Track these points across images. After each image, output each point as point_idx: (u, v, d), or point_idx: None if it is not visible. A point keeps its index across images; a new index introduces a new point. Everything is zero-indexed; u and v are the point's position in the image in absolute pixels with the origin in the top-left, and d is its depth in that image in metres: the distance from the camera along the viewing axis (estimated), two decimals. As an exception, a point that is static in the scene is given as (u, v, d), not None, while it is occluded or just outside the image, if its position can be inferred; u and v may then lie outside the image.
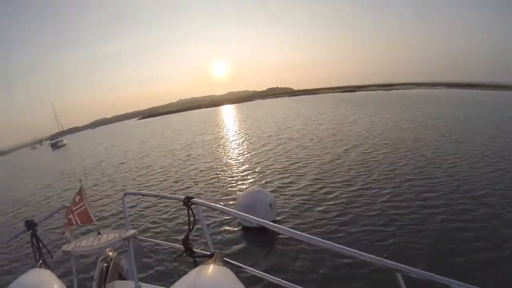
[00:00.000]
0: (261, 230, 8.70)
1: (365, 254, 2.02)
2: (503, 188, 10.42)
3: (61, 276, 3.05)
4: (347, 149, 18.16)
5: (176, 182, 16.32)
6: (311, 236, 2.22)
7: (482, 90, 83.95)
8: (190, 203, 2.96)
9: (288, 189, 12.54)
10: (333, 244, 2.15)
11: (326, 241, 2.12)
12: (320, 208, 10.04)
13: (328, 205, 10.27)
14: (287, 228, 2.33)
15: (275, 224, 2.44)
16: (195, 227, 3.02)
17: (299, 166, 15.72)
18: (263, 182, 14.07)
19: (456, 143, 17.75)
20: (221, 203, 11.64)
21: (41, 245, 3.50)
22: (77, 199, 3.46)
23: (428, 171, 12.89)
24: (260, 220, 2.50)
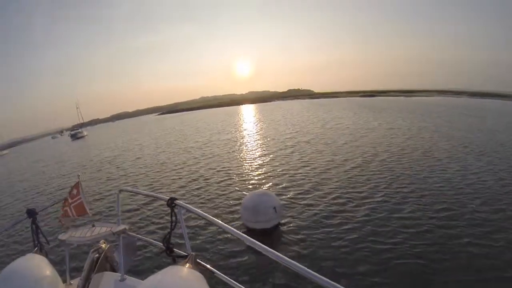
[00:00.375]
0: (262, 234, 8.75)
1: None
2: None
3: (54, 263, 3.16)
4: (364, 157, 17.67)
5: (187, 181, 16.21)
6: (301, 266, 1.97)
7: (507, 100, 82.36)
8: (173, 204, 3.07)
9: (298, 194, 12.31)
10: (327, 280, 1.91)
11: (318, 275, 1.86)
12: (330, 221, 9.65)
13: (339, 217, 9.90)
14: (274, 252, 2.15)
15: (263, 246, 2.27)
16: (185, 226, 3.08)
17: (313, 172, 15.38)
18: (273, 185, 13.94)
19: (480, 156, 17.02)
20: (224, 204, 11.98)
21: (39, 232, 3.62)
22: (74, 192, 3.72)
23: (450, 186, 12.29)
24: (242, 234, 2.47)
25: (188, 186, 15.11)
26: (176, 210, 3.08)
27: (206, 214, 2.92)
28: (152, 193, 3.82)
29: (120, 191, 4.04)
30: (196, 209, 3.02)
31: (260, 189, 12.45)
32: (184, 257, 2.77)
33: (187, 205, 3.08)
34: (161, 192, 14.29)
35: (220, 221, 2.73)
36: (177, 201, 3.06)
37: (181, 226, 3.09)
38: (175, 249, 3.17)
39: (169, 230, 3.08)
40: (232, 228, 2.56)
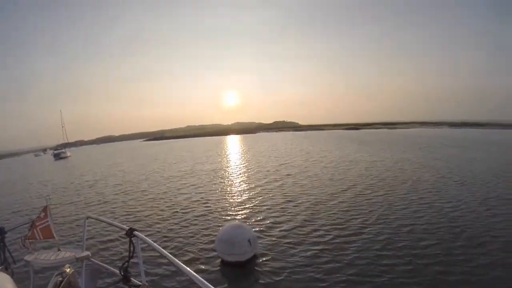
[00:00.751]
0: (237, 266, 8.66)
1: None
2: (505, 234, 10.08)
3: (19, 283, 3.11)
4: (344, 190, 17.68)
5: (165, 211, 15.74)
6: None
7: (486, 129, 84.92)
8: (132, 235, 3.19)
9: (275, 227, 12.10)
10: None
11: None
12: (307, 253, 9.48)
13: (315, 249, 9.73)
14: None
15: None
16: (141, 256, 3.21)
17: (292, 204, 15.22)
18: (250, 217, 13.75)
19: (457, 185, 17.52)
20: (200, 236, 11.61)
21: (6, 251, 3.69)
22: (42, 215, 3.78)
23: (428, 215, 12.51)
24: (192, 273, 2.45)
25: (165, 217, 14.66)
26: (134, 241, 3.17)
27: (160, 248, 2.97)
28: (113, 222, 3.92)
29: (87, 218, 4.14)
30: (151, 242, 3.07)
31: (235, 222, 12.18)
32: (139, 286, 2.92)
33: (145, 237, 3.15)
34: (135, 222, 13.97)
35: (173, 257, 2.76)
36: (136, 232, 3.16)
37: (138, 256, 3.15)
38: (132, 278, 3.26)
39: (127, 259, 3.19)
40: (184, 266, 2.55)
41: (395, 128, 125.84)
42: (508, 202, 13.91)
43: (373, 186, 18.47)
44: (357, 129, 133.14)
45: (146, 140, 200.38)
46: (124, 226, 3.39)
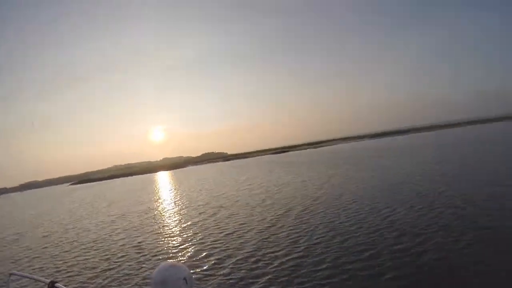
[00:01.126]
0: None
1: None
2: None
3: None
4: (278, 214, 17.71)
5: (95, 260, 14.61)
6: None
7: (403, 136, 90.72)
8: None
9: (213, 261, 11.70)
10: None
11: None
12: (248, 286, 9.22)
13: (258, 282, 9.41)
14: None
15: None
16: None
17: (227, 236, 14.91)
18: (186, 255, 13.23)
19: (382, 192, 18.53)
20: (135, 281, 11.06)
21: None
22: None
23: (367, 226, 13.02)
24: None
25: (96, 266, 13.55)
26: None
27: None
28: (35, 276, 3.72)
29: (11, 274, 3.97)
30: None
31: (169, 261, 11.86)
32: None
33: None
34: (64, 274, 13.07)
35: None
36: (58, 284, 3.06)
37: None
38: None
39: None
40: None
41: (320, 146, 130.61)
42: (432, 200, 15.51)
43: (305, 205, 18.84)
44: (283, 152, 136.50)
45: (72, 184, 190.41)
46: (46, 280, 3.27)
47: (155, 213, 26.38)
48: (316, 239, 12.36)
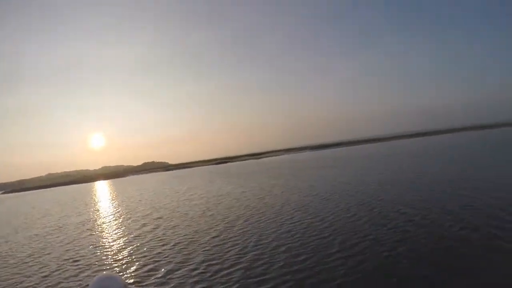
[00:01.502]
0: None
1: None
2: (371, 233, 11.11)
3: None
4: (217, 224, 17.80)
5: (29, 275, 13.70)
6: None
7: (340, 148, 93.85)
8: None
9: (151, 273, 11.46)
10: None
11: None
12: None
13: None
14: None
15: None
16: None
17: (166, 247, 14.66)
18: (124, 267, 12.79)
19: (321, 200, 19.05)
20: None
21: None
22: None
23: (300, 232, 13.57)
24: None
25: (31, 284, 12.61)
26: None
27: None
28: None
29: None
30: None
31: (106, 272, 11.53)
32: None
33: None
34: None
35: None
36: None
37: None
38: None
39: None
40: None
41: (262, 157, 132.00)
42: (365, 207, 16.45)
43: (245, 215, 19.05)
44: (225, 162, 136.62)
45: (4, 193, 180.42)
46: None
47: (94, 224, 25.21)
48: (260, 249, 12.40)
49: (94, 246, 17.70)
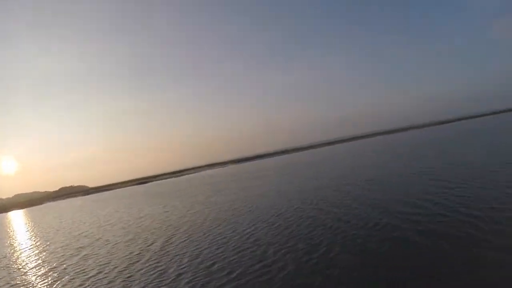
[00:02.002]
0: None
1: None
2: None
3: None
4: (142, 249, 17.61)
5: None
6: None
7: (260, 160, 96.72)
8: None
9: None
10: None
11: None
12: None
13: None
14: None
15: None
16: None
17: (90, 280, 14.28)
18: None
19: (247, 212, 20.29)
20: None
21: None
22: None
23: (232, 247, 14.36)
24: None
25: None
26: None
27: None
28: None
29: None
30: None
31: None
32: None
33: None
34: None
35: None
36: None
37: None
38: None
39: None
40: None
41: (183, 175, 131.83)
42: (287, 217, 18.01)
43: (166, 235, 19.47)
44: (146, 182, 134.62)
45: None
46: None
47: (8, 261, 23.26)
48: (183, 268, 13.00)
49: (10, 284, 16.88)
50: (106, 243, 21.66)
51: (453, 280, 8.13)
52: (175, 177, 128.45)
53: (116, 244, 20.62)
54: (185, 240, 17.44)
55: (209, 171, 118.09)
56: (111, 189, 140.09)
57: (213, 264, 12.71)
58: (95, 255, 18.71)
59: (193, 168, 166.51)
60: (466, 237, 10.67)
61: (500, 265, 8.41)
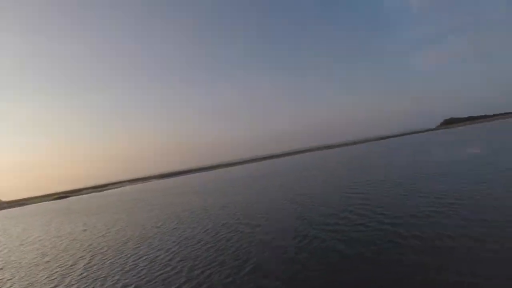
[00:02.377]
0: None
1: None
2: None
3: None
4: (62, 272, 16.61)
5: None
6: None
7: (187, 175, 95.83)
8: None
9: None
10: None
11: None
12: None
13: None
14: None
15: None
16: None
17: None
18: None
19: (173, 230, 19.96)
20: None
21: None
22: None
23: (156, 265, 14.32)
24: None
25: None
26: None
27: None
28: None
29: None
30: None
31: None
32: None
33: None
34: None
35: None
36: None
37: None
38: None
39: None
40: None
41: (106, 189, 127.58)
42: (215, 233, 18.17)
43: (87, 257, 18.60)
44: (66, 197, 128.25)
45: None
46: None
47: None
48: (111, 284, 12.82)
49: None
50: (17, 266, 19.91)
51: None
52: (97, 191, 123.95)
53: (29, 267, 19.04)
54: (105, 262, 16.71)
55: (132, 186, 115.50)
56: (27, 204, 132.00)
57: (139, 286, 12.47)
58: (6, 281, 17.04)
59: (115, 183, 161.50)
60: (389, 242, 11.97)
61: (421, 267, 9.61)
